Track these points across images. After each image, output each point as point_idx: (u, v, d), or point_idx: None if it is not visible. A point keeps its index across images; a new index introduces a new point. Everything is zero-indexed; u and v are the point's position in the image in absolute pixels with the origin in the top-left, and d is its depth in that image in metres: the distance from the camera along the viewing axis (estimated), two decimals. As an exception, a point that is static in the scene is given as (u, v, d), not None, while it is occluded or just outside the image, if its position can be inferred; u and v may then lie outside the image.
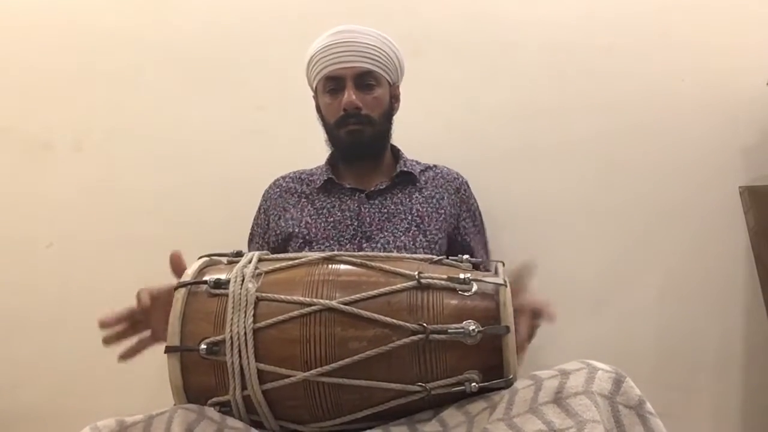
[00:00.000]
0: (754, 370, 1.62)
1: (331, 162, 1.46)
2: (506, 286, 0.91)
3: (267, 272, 0.94)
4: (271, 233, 1.41)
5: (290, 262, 0.96)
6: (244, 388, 0.87)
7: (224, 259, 1.02)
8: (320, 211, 1.37)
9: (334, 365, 0.85)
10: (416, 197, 1.39)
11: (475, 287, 0.90)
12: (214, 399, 0.89)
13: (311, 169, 1.49)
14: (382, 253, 1.06)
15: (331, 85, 1.36)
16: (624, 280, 1.68)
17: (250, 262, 0.96)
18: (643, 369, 1.62)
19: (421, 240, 1.32)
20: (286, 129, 1.79)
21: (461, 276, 0.90)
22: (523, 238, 1.70)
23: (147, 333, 1.04)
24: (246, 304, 0.88)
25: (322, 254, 0.97)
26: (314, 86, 1.43)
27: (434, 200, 1.40)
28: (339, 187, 1.41)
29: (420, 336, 0.85)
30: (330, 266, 0.95)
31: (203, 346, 0.87)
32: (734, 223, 1.65)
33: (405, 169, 1.42)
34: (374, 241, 1.31)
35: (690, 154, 1.70)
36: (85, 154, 1.83)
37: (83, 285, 1.75)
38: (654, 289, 1.67)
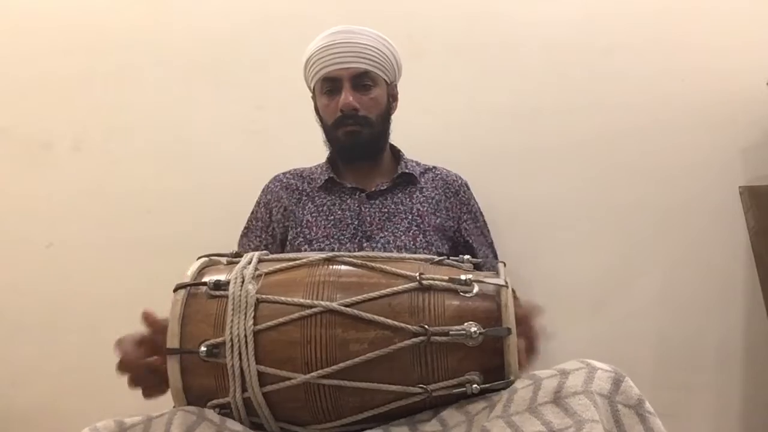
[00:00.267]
0: (754, 370, 1.62)
1: (332, 161, 1.46)
2: (507, 287, 0.91)
3: (267, 273, 0.93)
4: (276, 225, 1.41)
5: (290, 263, 0.96)
6: (244, 390, 0.87)
7: (223, 260, 1.02)
8: (321, 210, 1.37)
9: (334, 367, 0.84)
10: (417, 197, 1.39)
11: (476, 288, 0.90)
12: (214, 401, 0.89)
13: (311, 168, 1.49)
14: (383, 254, 1.06)
15: (328, 85, 1.36)
16: (624, 279, 1.69)
17: (249, 263, 0.95)
18: (643, 369, 1.62)
19: (421, 240, 1.32)
20: (285, 129, 1.79)
21: (462, 277, 0.90)
22: (523, 238, 1.70)
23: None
24: (246, 306, 0.88)
25: (323, 255, 0.97)
26: (312, 87, 1.43)
27: (434, 201, 1.40)
28: (340, 187, 1.40)
29: (421, 338, 0.85)
30: (331, 267, 0.94)
31: (203, 349, 0.87)
32: (734, 223, 1.65)
33: (406, 170, 1.42)
34: (374, 241, 1.31)
35: (690, 154, 1.70)
36: (85, 154, 1.82)
37: (82, 285, 1.75)
38: (654, 289, 1.67)
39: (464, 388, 0.86)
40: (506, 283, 0.91)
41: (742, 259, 1.65)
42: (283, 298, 0.89)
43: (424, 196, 1.40)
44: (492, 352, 0.86)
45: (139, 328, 0.99)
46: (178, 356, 0.88)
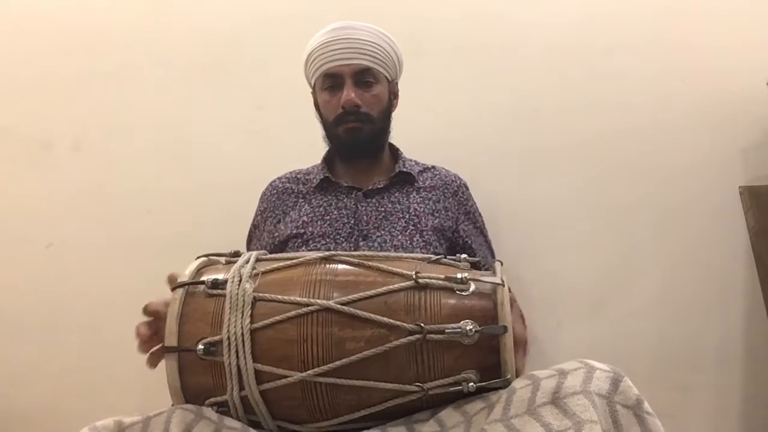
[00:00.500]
0: (753, 370, 1.61)
1: (328, 160, 1.45)
2: (504, 285, 0.91)
3: (264, 272, 0.94)
4: (267, 236, 1.41)
5: (288, 262, 0.96)
6: (241, 388, 0.87)
7: (222, 259, 1.02)
8: (316, 210, 1.37)
9: (331, 365, 0.85)
10: (414, 197, 1.39)
11: (472, 287, 0.90)
12: (212, 399, 0.89)
13: (307, 168, 1.48)
14: (380, 253, 1.06)
15: (329, 82, 1.36)
16: (624, 279, 1.68)
17: (247, 262, 0.96)
18: (642, 369, 1.62)
19: (417, 240, 1.31)
20: (286, 129, 1.79)
21: (459, 276, 0.90)
22: (523, 237, 1.70)
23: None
24: (243, 305, 0.88)
25: (320, 254, 0.97)
26: (312, 83, 1.42)
27: (431, 201, 1.40)
28: (336, 186, 1.40)
29: (417, 336, 0.85)
30: (327, 266, 0.95)
31: (200, 347, 0.87)
32: (734, 223, 1.65)
33: (404, 169, 1.41)
34: (371, 240, 1.30)
35: (690, 154, 1.70)
36: (85, 154, 1.83)
37: (82, 285, 1.74)
38: (654, 289, 1.67)
39: (461, 387, 0.86)
40: (503, 281, 0.91)
41: (742, 259, 1.65)
42: (279, 297, 0.89)
43: (421, 195, 1.39)
44: (488, 351, 0.87)
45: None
46: (176, 354, 0.89)
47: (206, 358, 0.87)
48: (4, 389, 1.71)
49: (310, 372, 0.85)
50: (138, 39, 1.86)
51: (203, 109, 1.83)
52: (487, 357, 0.87)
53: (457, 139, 1.77)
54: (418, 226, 1.33)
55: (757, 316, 1.60)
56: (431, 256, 1.01)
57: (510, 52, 1.80)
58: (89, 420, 0.85)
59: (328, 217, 1.34)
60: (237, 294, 0.89)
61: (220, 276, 0.93)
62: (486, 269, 1.05)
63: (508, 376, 0.86)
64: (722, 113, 1.70)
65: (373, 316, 0.86)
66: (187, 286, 0.93)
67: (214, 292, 0.91)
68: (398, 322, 0.86)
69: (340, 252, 0.98)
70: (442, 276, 0.91)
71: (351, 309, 0.87)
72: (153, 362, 0.96)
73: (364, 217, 1.33)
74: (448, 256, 1.02)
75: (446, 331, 0.86)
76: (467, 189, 1.49)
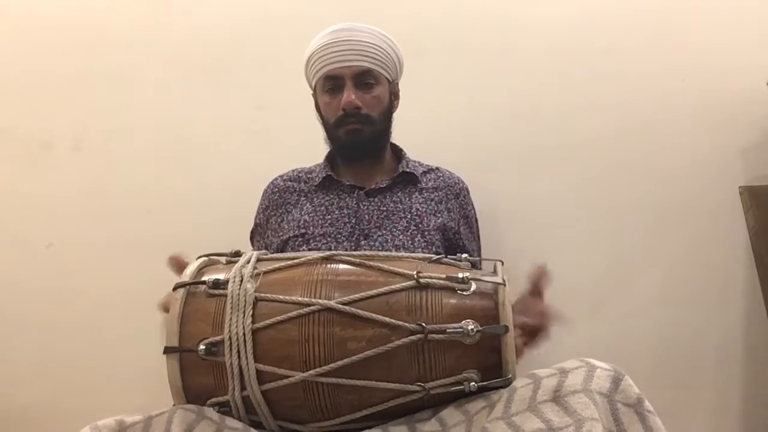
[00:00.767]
0: (753, 370, 1.62)
1: (330, 159, 1.45)
2: (505, 285, 0.91)
3: (266, 272, 0.94)
4: (271, 234, 1.41)
5: (289, 262, 0.96)
6: (243, 388, 0.87)
7: (223, 259, 1.02)
8: (318, 208, 1.37)
9: (332, 365, 0.85)
10: (416, 197, 1.39)
11: (473, 286, 0.90)
12: (213, 399, 0.89)
13: (310, 167, 1.48)
14: (381, 252, 1.06)
15: (330, 84, 1.36)
16: (624, 279, 1.68)
17: (248, 262, 0.95)
18: (642, 368, 1.62)
19: (419, 240, 1.31)
20: (286, 129, 1.79)
21: (460, 275, 0.90)
22: (523, 238, 1.70)
23: None
24: (245, 305, 0.88)
25: (321, 254, 0.97)
26: (313, 85, 1.42)
27: (434, 201, 1.40)
28: (338, 185, 1.40)
29: (419, 336, 0.85)
30: (329, 266, 0.95)
31: (202, 347, 0.87)
32: (734, 223, 1.65)
33: (407, 169, 1.41)
34: (372, 239, 1.30)
35: (690, 154, 1.70)
36: (85, 154, 1.83)
37: (82, 285, 1.74)
38: (654, 289, 1.67)
39: (462, 386, 0.86)
40: (504, 281, 0.91)
41: (742, 259, 1.65)
42: (281, 297, 0.89)
43: (423, 196, 1.40)
44: (489, 350, 0.87)
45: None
46: (178, 355, 0.89)
47: (208, 359, 0.87)
48: (4, 389, 1.71)
49: (311, 372, 0.85)
50: (138, 39, 1.86)
51: (203, 109, 1.83)
52: (489, 357, 0.87)
53: (457, 139, 1.77)
54: (420, 226, 1.33)
55: (757, 316, 1.60)
56: (432, 255, 1.01)
57: (510, 52, 1.80)
58: (90, 419, 0.85)
59: (330, 217, 1.34)
60: (238, 294, 0.89)
61: (221, 276, 0.92)
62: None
63: (510, 376, 0.86)
64: (722, 113, 1.70)
65: (374, 315, 0.86)
66: (188, 286, 0.92)
67: (216, 292, 0.91)
68: (400, 322, 0.86)
69: (341, 252, 0.98)
70: (444, 276, 0.91)
71: (352, 309, 0.87)
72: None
73: (366, 216, 1.33)
74: (449, 256, 1.02)
75: (448, 330, 0.86)
76: (468, 193, 1.49)
